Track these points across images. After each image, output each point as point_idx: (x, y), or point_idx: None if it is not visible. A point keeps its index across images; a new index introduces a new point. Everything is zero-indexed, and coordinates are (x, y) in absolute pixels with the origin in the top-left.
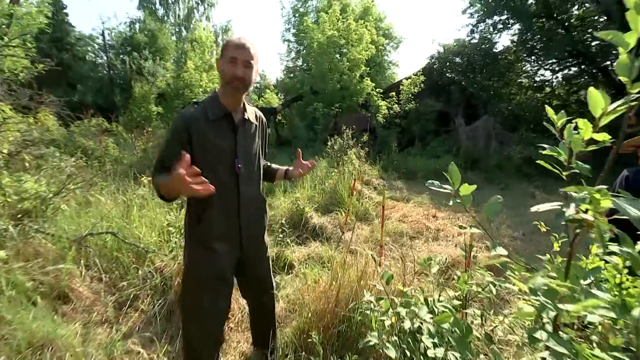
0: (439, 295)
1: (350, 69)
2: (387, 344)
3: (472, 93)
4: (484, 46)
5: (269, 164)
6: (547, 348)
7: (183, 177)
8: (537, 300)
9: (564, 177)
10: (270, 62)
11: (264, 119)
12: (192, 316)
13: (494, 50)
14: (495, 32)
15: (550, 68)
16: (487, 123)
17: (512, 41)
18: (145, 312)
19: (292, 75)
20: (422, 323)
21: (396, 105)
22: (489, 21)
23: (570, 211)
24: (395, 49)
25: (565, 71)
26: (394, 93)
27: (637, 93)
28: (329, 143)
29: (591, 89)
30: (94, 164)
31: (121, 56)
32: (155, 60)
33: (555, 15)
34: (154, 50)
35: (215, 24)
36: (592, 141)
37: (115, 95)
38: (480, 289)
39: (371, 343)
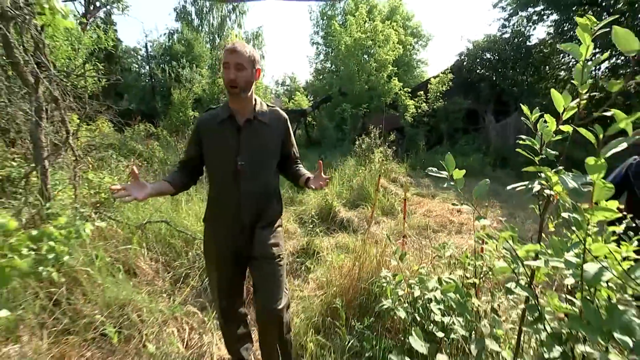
0: (450, 274)
1: (378, 70)
2: (399, 308)
3: (503, 89)
4: (516, 40)
5: (298, 167)
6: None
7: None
8: (509, 258)
9: (537, 162)
10: (300, 65)
11: (285, 119)
12: (210, 290)
13: (528, 43)
14: (529, 24)
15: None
16: (519, 119)
17: (549, 33)
18: (194, 287)
19: (321, 77)
20: (431, 293)
21: (424, 104)
22: (522, 14)
23: (535, 187)
24: (424, 47)
25: (612, 60)
26: (422, 92)
27: (585, 93)
28: (357, 142)
29: (552, 90)
30: (144, 164)
31: (161, 65)
32: (192, 68)
33: (599, 1)
34: (190, 58)
35: (246, 30)
36: (559, 131)
37: (156, 102)
38: (489, 270)
39: (385, 307)
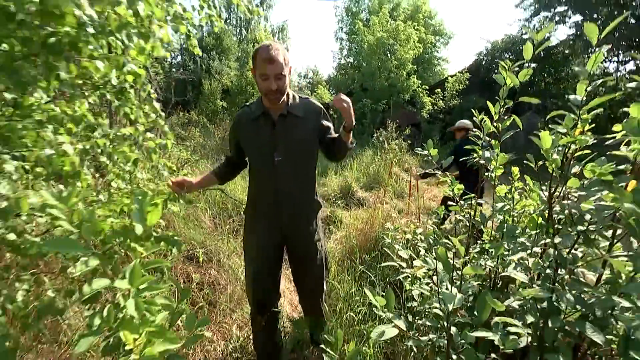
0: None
1: (398, 67)
2: (396, 245)
3: (518, 89)
4: (536, 40)
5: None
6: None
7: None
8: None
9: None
10: (324, 59)
11: (319, 109)
12: (246, 283)
13: (548, 44)
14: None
15: (616, 60)
16: (531, 119)
17: (570, 35)
18: None
19: (343, 72)
20: (418, 236)
21: (441, 102)
22: (545, 14)
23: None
24: (446, 45)
25: (638, 61)
26: (439, 90)
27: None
28: (375, 135)
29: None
30: (188, 148)
31: (192, 57)
32: (221, 60)
33: (623, 2)
34: (220, 50)
35: (272, 24)
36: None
37: (188, 92)
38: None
39: (387, 241)
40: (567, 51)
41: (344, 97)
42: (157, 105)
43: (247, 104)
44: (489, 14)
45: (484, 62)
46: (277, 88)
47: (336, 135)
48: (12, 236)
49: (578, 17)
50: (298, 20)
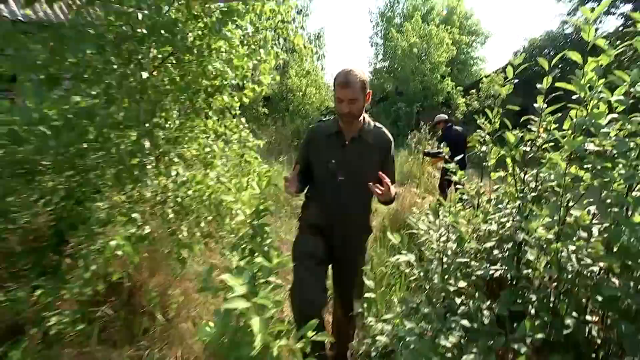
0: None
1: (432, 71)
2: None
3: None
4: (577, 35)
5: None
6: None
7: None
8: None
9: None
10: (359, 65)
11: (388, 140)
12: (293, 277)
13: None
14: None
15: None
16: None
17: (618, 27)
18: None
19: (379, 76)
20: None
21: (475, 102)
22: (589, 5)
23: None
24: (482, 44)
25: None
26: (474, 90)
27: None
28: (409, 137)
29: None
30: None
31: None
32: None
33: None
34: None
35: (309, 32)
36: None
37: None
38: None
39: (413, 220)
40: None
41: (384, 189)
42: (243, 120)
43: (323, 119)
44: (525, 13)
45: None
46: (349, 111)
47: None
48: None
49: (628, 7)
50: (334, 26)
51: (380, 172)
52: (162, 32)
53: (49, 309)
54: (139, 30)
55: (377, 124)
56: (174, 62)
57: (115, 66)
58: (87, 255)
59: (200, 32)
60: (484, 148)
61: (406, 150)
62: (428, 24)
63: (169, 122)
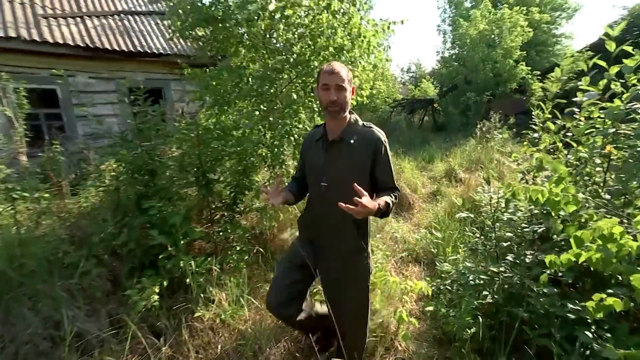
0: None
1: (504, 57)
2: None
3: None
4: None
5: (383, 194)
6: None
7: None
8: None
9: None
10: (426, 52)
11: (375, 140)
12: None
13: None
14: None
15: None
16: None
17: None
18: None
19: (447, 65)
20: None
21: (554, 86)
22: None
23: None
24: (569, 19)
25: None
26: (552, 74)
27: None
28: (478, 126)
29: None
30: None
31: None
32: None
33: None
34: None
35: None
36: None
37: None
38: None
39: (478, 198)
40: None
41: (359, 205)
42: None
43: (317, 125)
44: None
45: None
46: (336, 99)
47: (381, 190)
48: None
49: None
50: (401, 14)
51: (355, 184)
52: (299, 67)
53: (229, 243)
54: (277, 65)
55: (366, 124)
56: (299, 82)
57: (267, 87)
58: (247, 212)
59: (319, 63)
60: (535, 135)
61: (475, 140)
62: (499, 7)
63: (300, 124)
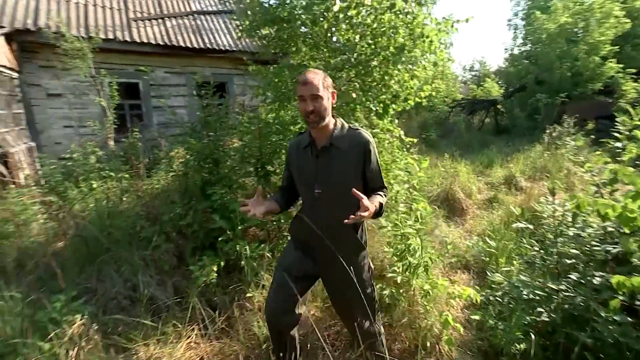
0: None
1: (588, 53)
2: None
3: None
4: None
5: (375, 194)
6: None
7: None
8: None
9: None
10: (493, 50)
11: (364, 142)
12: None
13: None
14: None
15: None
16: None
17: None
18: None
19: (516, 63)
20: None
21: None
22: None
23: None
24: None
25: None
26: None
27: None
28: (548, 131)
29: None
30: None
31: None
32: None
33: None
34: None
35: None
36: None
37: None
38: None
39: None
40: None
41: (362, 208)
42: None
43: (302, 132)
44: None
45: None
46: (313, 109)
47: (373, 191)
48: None
49: None
50: (464, 11)
51: (354, 190)
52: (359, 67)
53: (280, 232)
54: (338, 64)
55: (353, 126)
56: (358, 81)
57: None
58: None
59: (379, 62)
60: (618, 144)
61: (542, 146)
62: None
63: (357, 122)
